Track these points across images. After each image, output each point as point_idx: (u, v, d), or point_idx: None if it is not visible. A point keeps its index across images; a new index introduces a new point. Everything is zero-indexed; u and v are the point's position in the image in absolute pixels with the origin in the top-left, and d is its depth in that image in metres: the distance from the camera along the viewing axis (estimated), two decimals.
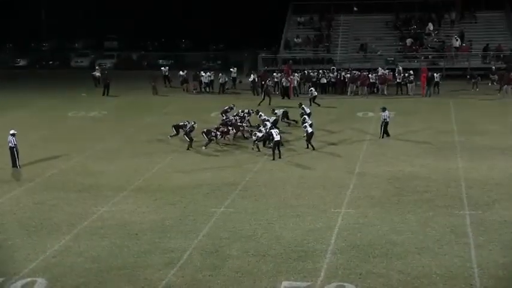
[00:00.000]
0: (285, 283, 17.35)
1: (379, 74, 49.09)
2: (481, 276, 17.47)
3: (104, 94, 49.98)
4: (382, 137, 33.41)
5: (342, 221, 21.87)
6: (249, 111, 36.29)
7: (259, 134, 31.57)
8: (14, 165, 29.18)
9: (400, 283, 17.16)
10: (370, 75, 48.79)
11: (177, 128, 33.22)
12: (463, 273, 17.65)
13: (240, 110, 36.54)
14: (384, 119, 33.49)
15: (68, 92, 52.41)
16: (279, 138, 30.11)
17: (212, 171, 28.34)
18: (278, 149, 30.08)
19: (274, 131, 30.50)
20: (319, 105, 42.55)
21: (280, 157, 29.91)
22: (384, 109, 33.70)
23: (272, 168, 28.56)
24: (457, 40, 57.41)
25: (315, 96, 43.46)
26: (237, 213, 22.89)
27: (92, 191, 25.79)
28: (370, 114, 40.28)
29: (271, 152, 30.11)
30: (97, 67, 57.41)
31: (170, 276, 17.93)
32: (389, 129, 33.72)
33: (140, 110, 43.72)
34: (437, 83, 47.31)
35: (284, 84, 47.74)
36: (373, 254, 19.08)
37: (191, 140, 32.33)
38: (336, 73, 50.17)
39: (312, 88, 45.01)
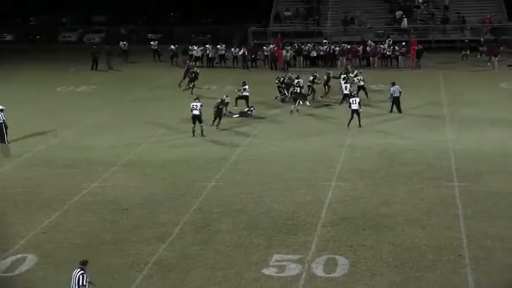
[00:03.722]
0: (276, 256, 17.41)
1: (371, 46, 49.07)
2: (469, 246, 17.60)
3: (92, 69, 49.75)
4: (391, 112, 33.02)
5: (332, 194, 21.93)
6: (298, 76, 36.35)
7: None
8: (2, 140, 29.04)
9: (390, 255, 17.27)
10: (358, 47, 48.82)
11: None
12: (452, 244, 17.78)
13: (290, 74, 37.12)
14: (391, 94, 33.11)
15: (56, 66, 52.09)
16: (356, 107, 30.10)
17: (202, 145, 28.30)
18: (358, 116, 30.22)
19: (352, 99, 30.42)
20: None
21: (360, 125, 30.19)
22: (393, 84, 33.21)
23: (262, 142, 28.56)
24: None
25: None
26: (228, 187, 22.91)
27: (82, 166, 25.73)
28: None
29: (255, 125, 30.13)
30: (124, 43, 56.23)
31: (161, 250, 17.97)
32: (380, 100, 33.84)
33: (129, 84, 43.49)
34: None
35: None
36: (364, 226, 19.18)
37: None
38: (325, 46, 50.10)
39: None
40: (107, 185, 23.48)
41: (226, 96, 32.37)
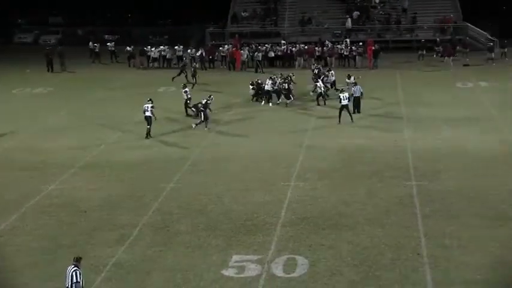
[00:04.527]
0: (235, 257, 17.41)
1: (329, 46, 49.41)
2: (427, 245, 17.80)
3: (48, 70, 49.13)
4: (358, 112, 32.96)
5: (291, 194, 22.00)
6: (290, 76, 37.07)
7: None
8: None
9: (350, 254, 17.38)
10: (315, 48, 49.09)
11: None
12: (410, 243, 17.96)
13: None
14: (352, 94, 32.97)
15: (11, 68, 51.27)
16: (346, 103, 30.83)
17: (161, 146, 28.17)
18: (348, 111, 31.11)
19: (342, 95, 30.88)
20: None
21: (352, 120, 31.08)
22: (355, 84, 33.44)
23: (220, 143, 28.53)
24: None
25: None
26: (187, 188, 22.84)
27: (39, 169, 25.42)
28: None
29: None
30: (95, 44, 55.16)
31: (120, 252, 17.84)
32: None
33: (86, 86, 42.97)
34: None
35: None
36: (323, 225, 19.27)
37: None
38: (283, 47, 50.22)
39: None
40: (65, 188, 23.23)
41: (210, 97, 31.98)
